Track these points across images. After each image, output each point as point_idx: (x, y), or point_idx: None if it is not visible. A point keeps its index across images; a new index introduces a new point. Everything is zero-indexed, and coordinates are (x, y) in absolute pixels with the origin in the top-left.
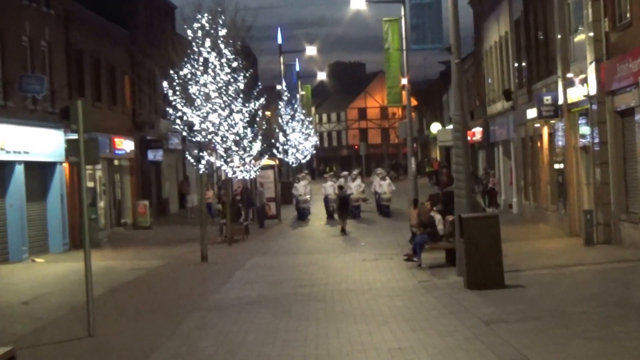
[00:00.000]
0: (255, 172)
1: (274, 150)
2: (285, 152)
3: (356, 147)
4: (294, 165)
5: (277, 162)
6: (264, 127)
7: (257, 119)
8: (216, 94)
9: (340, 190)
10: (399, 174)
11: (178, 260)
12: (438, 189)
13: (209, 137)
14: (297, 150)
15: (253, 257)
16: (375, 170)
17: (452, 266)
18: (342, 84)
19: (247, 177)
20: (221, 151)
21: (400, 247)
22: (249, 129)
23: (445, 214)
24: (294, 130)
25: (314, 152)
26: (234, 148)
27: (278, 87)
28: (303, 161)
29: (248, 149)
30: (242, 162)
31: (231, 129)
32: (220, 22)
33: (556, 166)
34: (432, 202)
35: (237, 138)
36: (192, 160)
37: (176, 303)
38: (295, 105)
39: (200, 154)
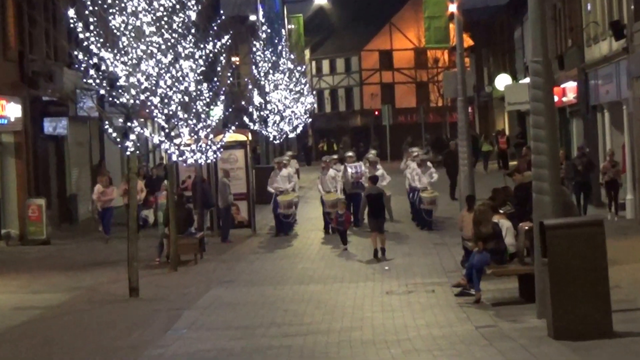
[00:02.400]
0: (215, 153)
1: (246, 119)
2: (264, 121)
3: (376, 112)
4: (277, 141)
5: (250, 137)
6: (229, 82)
7: (219, 68)
8: (153, 29)
9: (371, 184)
10: (445, 155)
11: (93, 294)
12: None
13: (142, 97)
14: (283, 118)
15: (211, 289)
16: (409, 150)
17: (530, 302)
18: (353, 11)
19: (202, 162)
20: (161, 120)
21: (447, 272)
22: (204, 85)
23: (518, 220)
24: (277, 87)
25: (310, 121)
26: (182, 115)
27: (252, 17)
28: (292, 135)
29: (204, 116)
30: (195, 137)
31: (177, 84)
32: None
33: None
34: (497, 202)
35: (187, 99)
36: (114, 135)
37: None
38: (280, 48)
39: (128, 124)
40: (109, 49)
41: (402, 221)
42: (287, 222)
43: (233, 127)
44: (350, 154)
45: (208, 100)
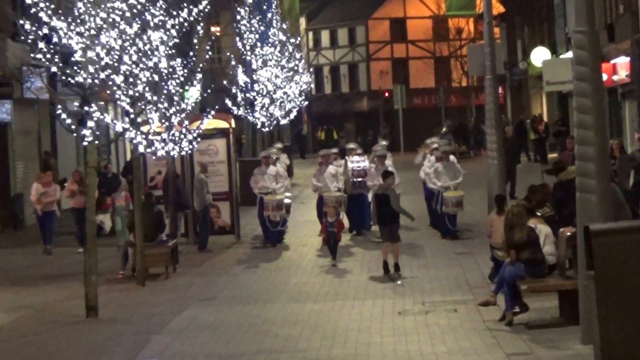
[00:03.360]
0: (191, 143)
1: (228, 102)
2: (250, 104)
3: (386, 94)
4: (266, 129)
5: (233, 124)
6: (208, 58)
7: (195, 41)
8: None
9: (385, 180)
10: (471, 146)
11: (43, 315)
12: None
13: (102, 76)
14: (273, 101)
15: (186, 309)
16: (425, 142)
17: (573, 324)
18: None
19: (175, 154)
20: (125, 103)
21: (472, 288)
22: (178, 61)
23: (559, 225)
24: (266, 64)
25: (306, 104)
26: (150, 97)
27: None
28: (284, 122)
29: (177, 99)
30: (166, 124)
31: (144, 60)
32: None
33: None
34: (534, 202)
35: (156, 78)
36: (68, 122)
37: None
38: (270, 15)
39: (85, 108)
40: (62, 17)
41: (417, 228)
42: (276, 229)
43: (213, 112)
44: (352, 145)
45: (182, 79)
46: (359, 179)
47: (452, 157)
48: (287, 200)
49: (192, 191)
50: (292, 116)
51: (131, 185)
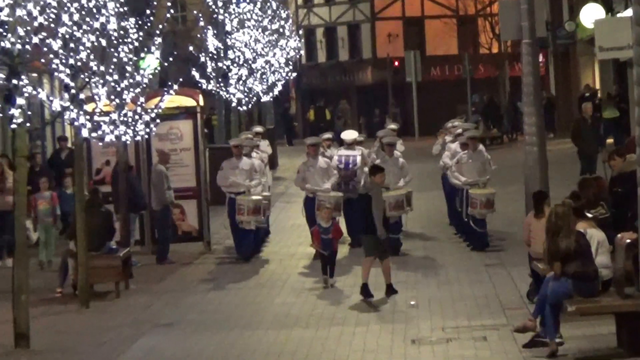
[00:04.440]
0: (148, 126)
1: (196, 74)
2: (223, 77)
3: (396, 63)
4: (243, 108)
5: (202, 101)
6: (169, 17)
7: None
8: None
9: (373, 176)
10: (504, 130)
11: None
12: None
13: (34, 40)
14: (252, 72)
15: (142, 336)
16: (446, 125)
17: (634, 355)
18: None
19: (127, 140)
20: (64, 75)
21: (506, 309)
22: (131, 21)
23: (616, 230)
24: (243, 25)
25: (294, 76)
26: (96, 67)
27: None
28: (266, 99)
29: (130, 69)
30: (116, 102)
31: (89, 20)
32: None
33: None
34: (584, 201)
35: (104, 43)
36: None
37: None
38: None
39: (14, 82)
40: None
41: (435, 235)
42: (250, 239)
43: (175, 87)
44: (349, 135)
45: (136, 44)
46: (348, 180)
47: (480, 146)
48: (265, 201)
49: (149, 187)
50: (276, 92)
51: (59, 179)
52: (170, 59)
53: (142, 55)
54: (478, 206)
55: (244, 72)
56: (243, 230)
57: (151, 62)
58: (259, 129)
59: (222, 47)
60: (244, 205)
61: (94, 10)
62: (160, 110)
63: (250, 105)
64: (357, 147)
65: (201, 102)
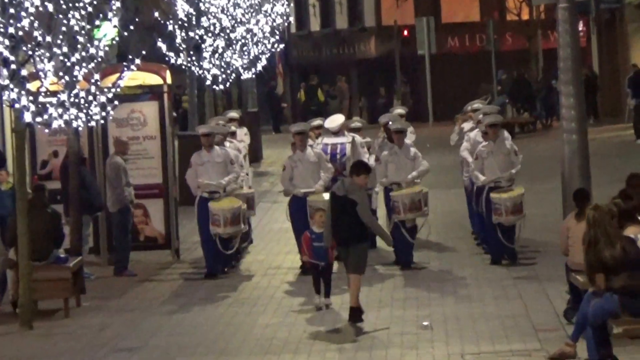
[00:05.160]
0: (105, 109)
1: (162, 45)
2: (196, 49)
3: (405, 32)
4: (220, 87)
5: (169, 79)
6: None
7: None
8: None
9: (355, 176)
10: (537, 113)
11: None
12: None
13: None
14: (231, 43)
15: None
16: (466, 109)
17: None
18: None
19: (79, 126)
20: (3, 47)
21: (539, 331)
22: None
23: None
24: None
25: (281, 48)
26: (41, 38)
27: None
28: (247, 76)
29: (83, 40)
30: (66, 79)
31: None
32: None
33: None
34: (635, 201)
35: (50, 8)
36: None
37: None
38: None
39: None
40: None
41: (454, 244)
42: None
43: (138, 61)
44: (332, 122)
45: (90, 10)
46: (336, 175)
47: (505, 133)
48: (244, 207)
49: (104, 183)
50: (259, 67)
51: None
52: (131, 27)
53: (97, 22)
54: (504, 213)
55: (220, 43)
56: (221, 243)
57: (108, 31)
58: (234, 114)
59: (193, 13)
60: (219, 215)
61: None
62: (119, 90)
63: (228, 84)
64: (347, 134)
65: (169, 80)
